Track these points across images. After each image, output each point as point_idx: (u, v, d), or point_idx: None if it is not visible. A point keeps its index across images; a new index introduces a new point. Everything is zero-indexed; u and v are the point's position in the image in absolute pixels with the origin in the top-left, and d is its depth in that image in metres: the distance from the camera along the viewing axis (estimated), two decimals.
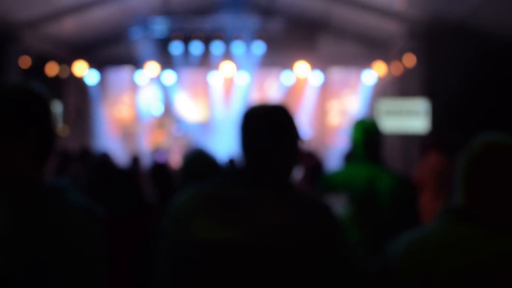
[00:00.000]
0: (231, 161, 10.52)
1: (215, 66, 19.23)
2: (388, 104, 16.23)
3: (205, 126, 19.65)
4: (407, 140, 15.93)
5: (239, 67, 19.09)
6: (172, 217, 2.58)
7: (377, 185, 4.51)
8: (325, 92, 19.62)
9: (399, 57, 16.84)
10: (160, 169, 6.03)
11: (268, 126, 2.58)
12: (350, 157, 4.87)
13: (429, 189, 8.57)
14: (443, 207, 2.37)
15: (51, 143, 2.18)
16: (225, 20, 17.69)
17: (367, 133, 4.68)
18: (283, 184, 2.55)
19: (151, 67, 19.33)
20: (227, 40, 17.88)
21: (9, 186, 2.12)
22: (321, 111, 19.07)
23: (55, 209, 2.04)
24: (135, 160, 11.11)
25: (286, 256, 2.30)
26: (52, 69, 18.89)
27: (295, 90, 19.02)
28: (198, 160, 3.89)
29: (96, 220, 2.12)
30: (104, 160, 5.78)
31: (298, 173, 8.19)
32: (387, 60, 18.41)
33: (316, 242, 2.33)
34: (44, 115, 2.16)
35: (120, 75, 20.64)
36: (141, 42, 20.10)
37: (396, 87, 18.14)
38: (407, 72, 16.45)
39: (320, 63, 19.12)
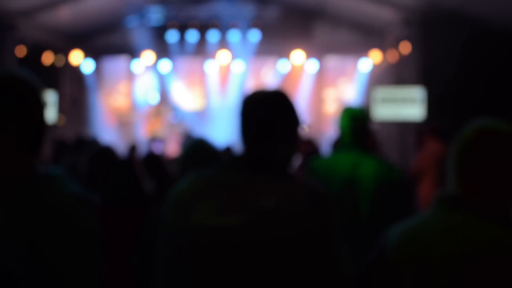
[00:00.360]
0: (228, 149, 10.55)
1: (211, 55, 19.24)
2: (383, 92, 16.27)
3: (202, 114, 19.69)
4: (403, 128, 15.97)
5: (234, 55, 19.09)
6: (172, 204, 2.57)
7: (360, 171, 4.51)
8: (321, 80, 19.65)
9: (394, 45, 16.85)
10: (153, 159, 6.05)
11: (268, 112, 2.56)
12: (337, 144, 4.89)
13: (430, 177, 8.55)
14: (437, 195, 2.39)
15: (41, 132, 2.12)
16: (221, 8, 17.67)
17: (354, 120, 4.68)
18: (283, 171, 2.55)
19: (147, 56, 19.33)
20: (223, 29, 17.87)
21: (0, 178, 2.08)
22: (317, 99, 19.11)
23: (48, 198, 2.01)
24: (132, 149, 11.12)
25: (284, 243, 2.31)
26: (47, 58, 18.86)
27: (291, 78, 19.05)
28: (198, 148, 3.87)
29: (91, 208, 2.10)
30: (105, 149, 5.77)
31: (296, 160, 8.21)
32: (382, 47, 18.40)
33: (313, 229, 2.33)
34: (32, 103, 2.09)
35: (116, 63, 20.65)
36: (137, 31, 20.06)
37: (392, 75, 18.15)
38: (403, 60, 16.47)
39: (316, 51, 19.13)
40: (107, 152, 5.59)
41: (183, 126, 17.04)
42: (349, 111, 4.77)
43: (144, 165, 6.62)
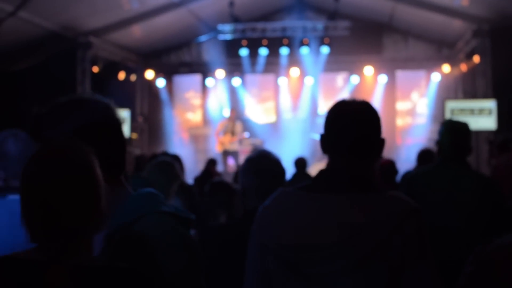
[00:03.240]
0: (301, 161, 10.57)
1: (282, 69, 19.47)
2: (455, 103, 16.20)
3: (274, 128, 19.87)
4: (475, 139, 15.83)
5: (305, 70, 19.27)
6: (261, 220, 2.54)
7: (459, 186, 4.44)
8: (392, 93, 19.66)
9: (465, 56, 16.78)
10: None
11: (356, 125, 2.49)
12: (422, 157, 4.79)
13: (507, 187, 8.47)
14: None
15: (122, 152, 2.12)
16: (291, 24, 17.79)
17: (455, 134, 4.60)
18: (372, 186, 2.47)
19: (219, 72, 19.63)
20: (293, 44, 17.99)
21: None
22: (388, 111, 19.03)
23: (146, 219, 1.97)
24: (211, 163, 11.13)
25: (377, 260, 2.27)
26: (120, 75, 19.31)
27: (362, 90, 19.04)
28: (260, 160, 3.70)
29: (189, 226, 2.10)
30: (221, 181, 6.09)
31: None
32: (453, 59, 18.34)
33: (406, 245, 2.28)
34: (109, 125, 2.08)
35: (188, 79, 21.07)
36: (209, 47, 20.40)
37: (463, 86, 18.06)
38: (474, 71, 16.36)
39: (387, 64, 19.16)
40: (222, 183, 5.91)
41: (255, 141, 17.11)
42: (451, 125, 4.73)
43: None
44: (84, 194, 1.77)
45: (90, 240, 1.84)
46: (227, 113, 17.18)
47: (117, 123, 2.11)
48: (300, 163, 10.57)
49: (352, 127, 2.50)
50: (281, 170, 3.69)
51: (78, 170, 1.77)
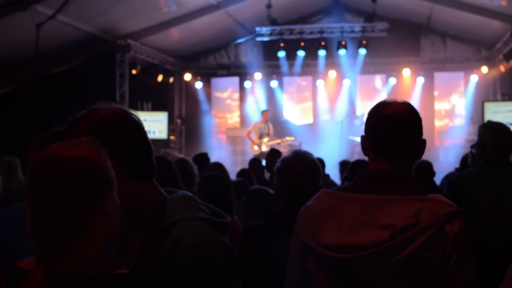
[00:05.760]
0: (345, 163, 10.46)
1: (319, 71, 19.46)
2: (493, 105, 16.08)
3: (311, 129, 19.85)
4: None
5: (343, 71, 19.25)
6: (302, 220, 2.55)
7: (505, 187, 4.40)
8: (430, 93, 19.56)
9: (503, 57, 16.61)
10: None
11: (398, 126, 2.48)
12: (465, 160, 4.71)
13: None
14: None
15: (148, 157, 2.09)
16: (329, 26, 17.76)
17: (498, 135, 4.57)
18: (412, 187, 2.45)
19: (257, 74, 19.68)
20: (331, 46, 17.94)
21: (131, 214, 2.06)
22: (426, 113, 18.89)
23: (180, 227, 1.97)
24: (255, 162, 10.90)
25: (417, 261, 2.24)
26: (158, 77, 19.45)
27: (399, 92, 18.95)
28: (295, 160, 3.62)
29: (224, 229, 2.08)
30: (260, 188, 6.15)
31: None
32: (491, 60, 18.17)
33: (446, 247, 2.26)
34: (132, 133, 2.04)
35: (226, 81, 21.16)
36: (246, 50, 20.47)
37: (501, 87, 17.89)
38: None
39: (425, 66, 19.05)
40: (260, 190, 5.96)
41: (293, 142, 17.04)
42: (493, 126, 4.67)
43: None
44: (84, 198, 1.72)
45: (95, 246, 1.79)
46: (264, 115, 17.10)
47: (138, 128, 2.08)
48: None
49: (394, 129, 2.48)
50: (316, 170, 3.63)
51: (78, 172, 1.71)
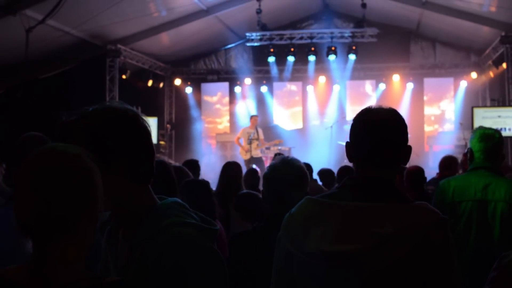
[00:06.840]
0: (324, 172, 10.42)
1: (309, 76, 19.50)
2: (483, 110, 16.13)
3: (301, 134, 19.91)
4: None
5: (333, 77, 19.31)
6: (286, 227, 2.52)
7: (492, 193, 4.41)
8: (420, 99, 19.64)
9: (493, 63, 16.67)
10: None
11: (382, 132, 2.45)
12: (468, 165, 4.72)
13: None
14: None
15: (149, 161, 2.10)
16: (318, 31, 17.80)
17: (486, 141, 4.57)
18: (397, 194, 2.42)
19: (247, 79, 19.70)
20: (321, 51, 17.94)
21: (122, 215, 2.10)
22: (416, 118, 18.93)
23: (170, 231, 1.98)
24: (253, 173, 10.82)
25: (402, 270, 2.21)
26: (148, 82, 19.44)
27: (389, 97, 19.01)
28: (282, 166, 3.63)
29: (213, 237, 2.08)
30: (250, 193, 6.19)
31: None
32: (481, 66, 18.25)
33: (431, 256, 2.22)
34: (135, 134, 2.05)
35: (216, 86, 21.17)
36: (236, 55, 20.49)
37: (490, 93, 17.97)
38: (501, 77, 16.27)
39: (414, 72, 19.12)
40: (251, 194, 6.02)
41: (281, 147, 17.03)
42: (481, 132, 4.65)
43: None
44: (77, 198, 1.74)
45: (79, 249, 1.80)
46: (254, 120, 17.06)
47: (146, 132, 2.09)
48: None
49: (378, 135, 2.45)
50: (304, 176, 3.62)
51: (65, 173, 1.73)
